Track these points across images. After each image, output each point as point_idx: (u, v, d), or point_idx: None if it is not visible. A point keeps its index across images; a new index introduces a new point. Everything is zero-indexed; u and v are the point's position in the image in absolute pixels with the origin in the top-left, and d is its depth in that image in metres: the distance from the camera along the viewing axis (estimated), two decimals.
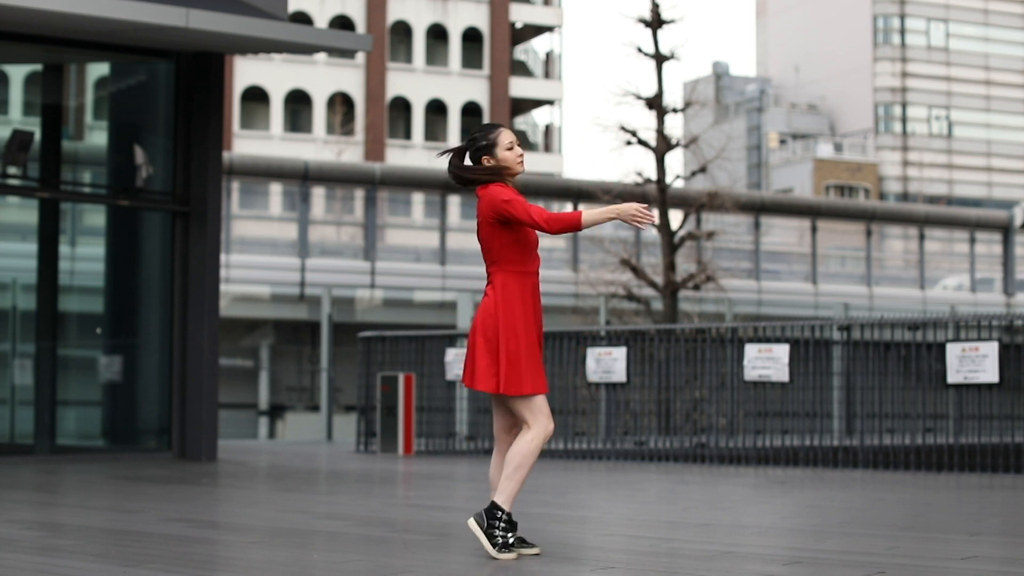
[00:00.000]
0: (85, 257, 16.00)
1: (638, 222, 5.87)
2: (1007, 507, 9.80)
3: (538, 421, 6.00)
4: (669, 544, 6.84)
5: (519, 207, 5.96)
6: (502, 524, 5.98)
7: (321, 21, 50.60)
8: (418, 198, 37.71)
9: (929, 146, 68.72)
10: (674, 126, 27.90)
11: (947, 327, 13.92)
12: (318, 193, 36.54)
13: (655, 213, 5.58)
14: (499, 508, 5.98)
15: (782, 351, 14.07)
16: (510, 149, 6.12)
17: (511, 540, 5.98)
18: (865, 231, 40.46)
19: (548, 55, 56.64)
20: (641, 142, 26.60)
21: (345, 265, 35.42)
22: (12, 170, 14.34)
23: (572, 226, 5.87)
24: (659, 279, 26.70)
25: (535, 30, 56.07)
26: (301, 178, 35.28)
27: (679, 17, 26.94)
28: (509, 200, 5.97)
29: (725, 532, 7.50)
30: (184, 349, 14.83)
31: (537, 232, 6.07)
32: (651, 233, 33.28)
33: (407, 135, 52.71)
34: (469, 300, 21.60)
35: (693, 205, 29.39)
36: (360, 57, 50.95)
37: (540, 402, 6.05)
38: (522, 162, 6.18)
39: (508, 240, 6.03)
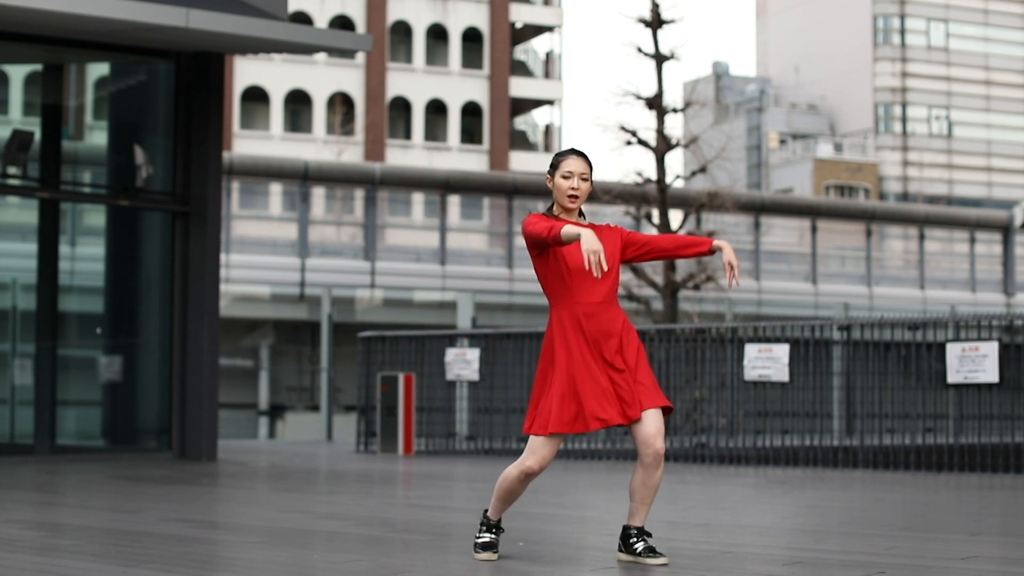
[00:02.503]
0: (85, 257, 16.01)
1: (589, 263, 5.58)
2: (1007, 507, 9.80)
3: (525, 455, 5.92)
4: (669, 544, 6.84)
5: (531, 225, 5.77)
6: (483, 527, 6.12)
7: (321, 21, 50.60)
8: (418, 198, 37.71)
9: (929, 146, 68.71)
10: (674, 126, 27.90)
11: (947, 327, 13.92)
12: (318, 193, 36.53)
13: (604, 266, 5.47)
14: (485, 513, 6.16)
15: (782, 351, 14.07)
16: (566, 178, 5.89)
17: (483, 540, 6.05)
18: (865, 231, 40.46)
19: (548, 55, 56.62)
20: (641, 142, 26.58)
21: (345, 265, 35.42)
22: (12, 170, 14.34)
23: (547, 234, 5.68)
24: (659, 279, 26.70)
25: (535, 30, 56.05)
26: (301, 178, 35.27)
27: (679, 17, 26.92)
28: (527, 222, 5.81)
29: (725, 532, 7.50)
30: (184, 349, 14.82)
31: (589, 261, 5.62)
32: (651, 233, 33.23)
33: (407, 135, 52.70)
34: (469, 300, 21.60)
35: (693, 205, 29.38)
36: (360, 57, 50.94)
37: (536, 442, 5.88)
38: (574, 197, 5.85)
39: (547, 272, 5.90)
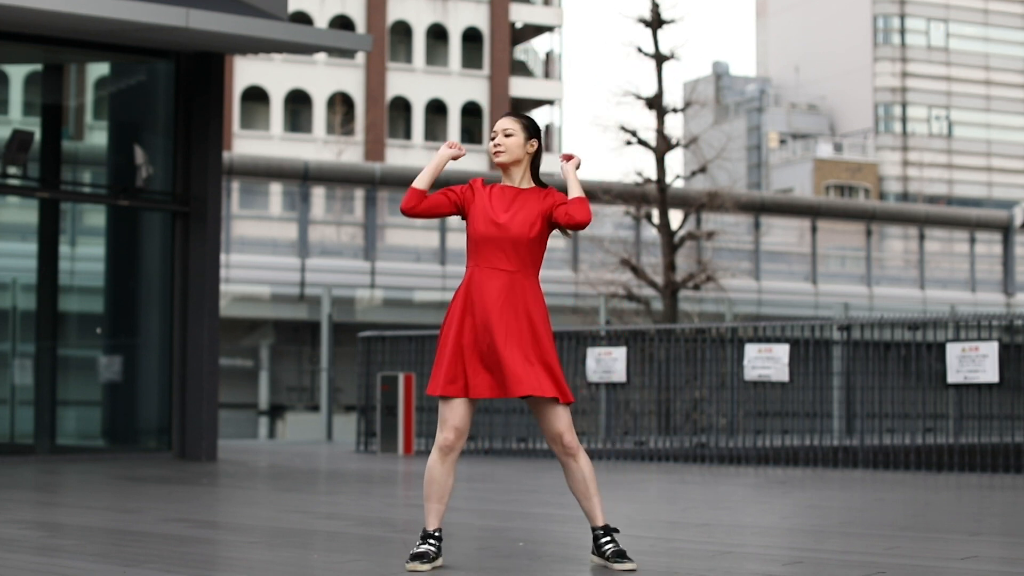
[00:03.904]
0: (85, 257, 16.00)
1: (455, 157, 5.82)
2: (1007, 507, 9.81)
3: (438, 431, 5.75)
4: (669, 544, 6.84)
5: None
6: (419, 539, 5.78)
7: (321, 21, 50.59)
8: None
9: (929, 146, 68.73)
10: (674, 126, 28.01)
11: (947, 327, 13.92)
12: (318, 193, 36.53)
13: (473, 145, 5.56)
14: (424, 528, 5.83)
15: (782, 351, 14.07)
16: (492, 139, 5.92)
17: (416, 551, 5.68)
18: (865, 231, 40.46)
19: (548, 55, 56.62)
20: (641, 142, 26.59)
21: (345, 265, 35.42)
22: (12, 170, 14.34)
23: (411, 194, 5.92)
24: (659, 279, 26.70)
25: (535, 30, 56.05)
26: (301, 178, 35.27)
27: (679, 17, 26.94)
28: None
29: (725, 532, 7.50)
30: (184, 349, 14.82)
31: (488, 226, 5.77)
32: (651, 233, 33.29)
33: (407, 135, 52.70)
34: None
35: (693, 205, 29.38)
36: (360, 57, 50.94)
37: (442, 410, 5.72)
38: (497, 153, 5.85)
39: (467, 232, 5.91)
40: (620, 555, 5.73)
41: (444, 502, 5.74)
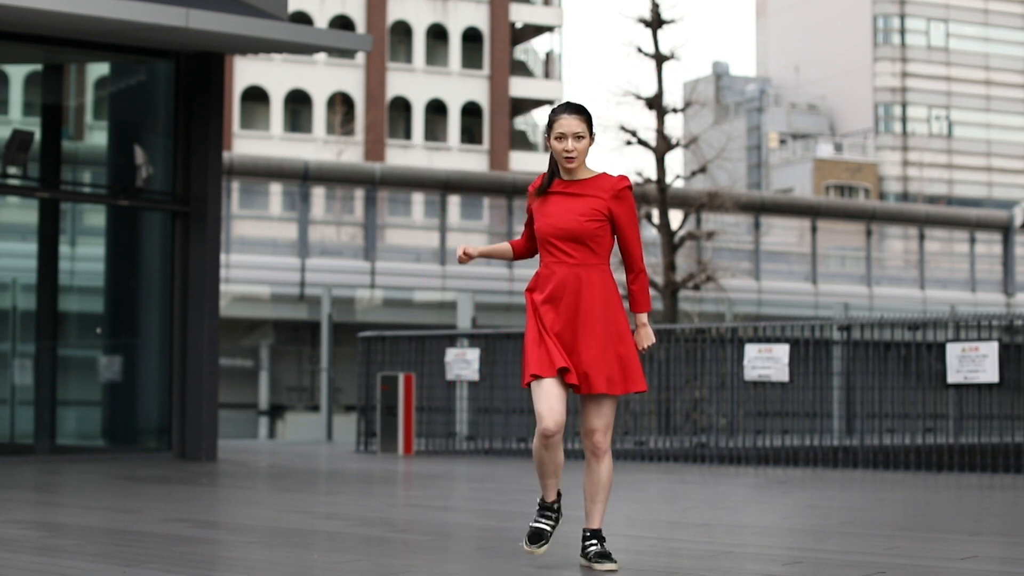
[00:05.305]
0: (85, 257, 16.00)
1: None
2: (1007, 507, 9.81)
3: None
4: (669, 544, 6.84)
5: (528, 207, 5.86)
6: (537, 511, 5.86)
7: (321, 21, 50.58)
8: (418, 198, 37.71)
9: (929, 146, 68.72)
10: (674, 126, 28.02)
11: (947, 327, 13.92)
12: (318, 193, 36.52)
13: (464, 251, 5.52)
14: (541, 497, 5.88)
15: (782, 351, 14.07)
16: (559, 140, 5.64)
17: (534, 528, 5.77)
18: (865, 231, 40.45)
19: (548, 55, 56.61)
20: (641, 142, 26.59)
21: (345, 265, 35.42)
22: (12, 170, 14.34)
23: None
24: (659, 279, 26.70)
25: (535, 30, 56.03)
26: (301, 178, 35.27)
27: (679, 17, 26.94)
28: (528, 193, 5.82)
29: (725, 532, 7.50)
30: (184, 349, 14.82)
31: (545, 224, 5.73)
32: (651, 233, 33.30)
33: (407, 135, 52.68)
34: (469, 300, 21.59)
35: (693, 205, 29.38)
36: (360, 57, 50.92)
37: (536, 394, 5.63)
38: (570, 159, 5.63)
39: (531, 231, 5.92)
40: (602, 556, 5.69)
41: (558, 475, 5.76)
